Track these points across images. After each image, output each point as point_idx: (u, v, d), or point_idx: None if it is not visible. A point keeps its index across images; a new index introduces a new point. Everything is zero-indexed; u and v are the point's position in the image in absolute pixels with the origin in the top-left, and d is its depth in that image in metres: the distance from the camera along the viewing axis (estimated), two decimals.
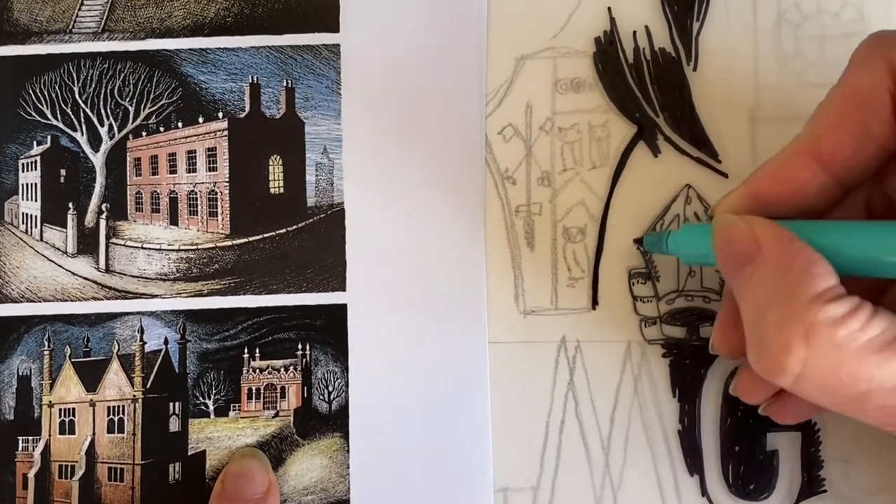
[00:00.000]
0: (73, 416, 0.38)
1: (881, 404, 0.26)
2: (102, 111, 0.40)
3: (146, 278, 0.39)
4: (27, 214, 0.40)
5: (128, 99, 0.40)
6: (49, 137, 0.40)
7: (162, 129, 0.40)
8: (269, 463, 0.38)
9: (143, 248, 0.39)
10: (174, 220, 0.40)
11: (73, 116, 0.40)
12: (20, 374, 0.39)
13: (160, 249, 0.39)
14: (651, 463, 0.37)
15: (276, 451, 0.38)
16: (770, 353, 0.27)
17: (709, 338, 0.37)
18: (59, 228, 0.39)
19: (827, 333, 0.26)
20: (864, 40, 0.30)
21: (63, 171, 0.40)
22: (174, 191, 0.40)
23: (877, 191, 0.32)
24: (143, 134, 0.40)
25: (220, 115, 0.40)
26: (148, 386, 0.38)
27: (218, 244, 0.39)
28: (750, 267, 0.29)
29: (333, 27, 0.40)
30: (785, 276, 0.28)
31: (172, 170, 0.40)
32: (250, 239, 0.39)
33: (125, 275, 0.39)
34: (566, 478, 0.37)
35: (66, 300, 0.39)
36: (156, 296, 0.39)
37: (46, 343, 0.39)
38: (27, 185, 0.40)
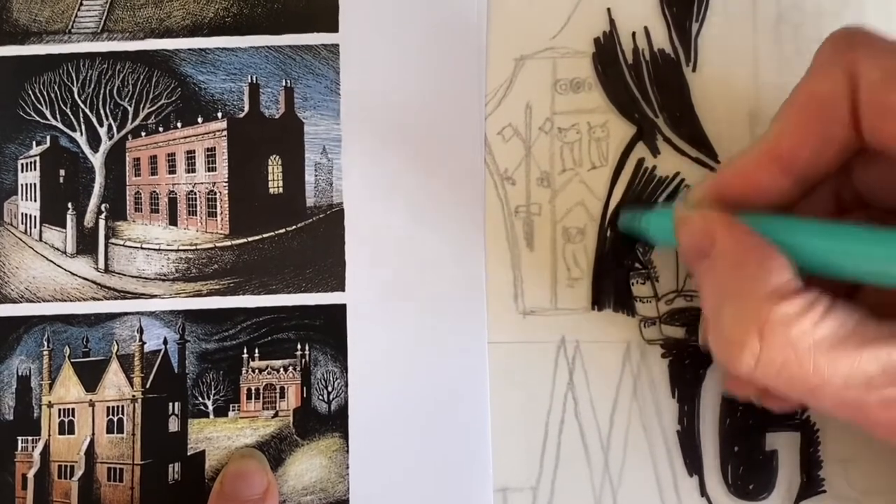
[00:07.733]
0: (73, 416, 0.38)
1: (833, 398, 0.27)
2: (101, 111, 0.40)
3: (145, 278, 0.39)
4: (26, 215, 0.40)
5: (127, 99, 0.40)
6: (48, 138, 0.40)
7: (161, 129, 0.40)
8: (267, 463, 0.38)
9: (142, 248, 0.39)
10: (173, 221, 0.40)
11: (72, 117, 0.40)
12: (19, 374, 0.39)
13: (159, 249, 0.39)
14: (650, 463, 0.37)
15: (275, 451, 0.38)
16: (726, 346, 0.28)
17: None
18: (58, 228, 0.39)
19: (780, 331, 0.26)
20: (826, 40, 0.29)
21: (62, 172, 0.40)
22: (173, 191, 0.40)
23: (845, 183, 0.32)
24: (143, 134, 0.40)
25: (220, 115, 0.40)
26: (147, 386, 0.38)
27: (217, 244, 0.39)
28: (707, 261, 0.30)
29: (332, 27, 0.40)
30: (739, 270, 0.28)
31: (171, 170, 0.40)
32: (249, 239, 0.39)
33: (124, 275, 0.39)
34: (565, 478, 0.37)
35: (65, 300, 0.39)
36: (155, 296, 0.39)
37: (46, 343, 0.39)
38: (26, 185, 0.40)
